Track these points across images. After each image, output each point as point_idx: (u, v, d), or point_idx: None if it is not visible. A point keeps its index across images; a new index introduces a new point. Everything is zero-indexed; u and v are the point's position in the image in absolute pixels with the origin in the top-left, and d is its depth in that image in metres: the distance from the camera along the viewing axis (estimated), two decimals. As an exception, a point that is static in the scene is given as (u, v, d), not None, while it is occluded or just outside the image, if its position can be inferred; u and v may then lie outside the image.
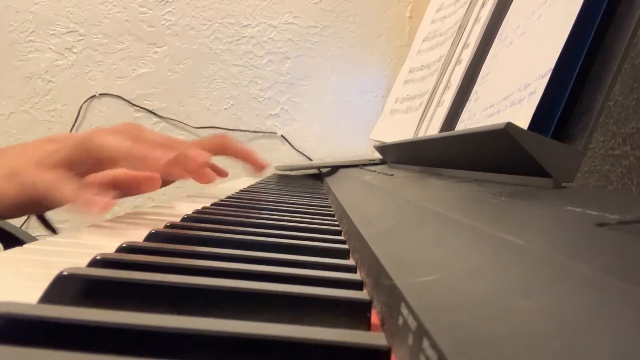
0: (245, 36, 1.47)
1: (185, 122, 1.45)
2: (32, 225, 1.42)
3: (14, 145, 0.45)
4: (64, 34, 1.43)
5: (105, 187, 0.42)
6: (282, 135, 1.48)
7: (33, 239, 0.87)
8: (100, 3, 1.43)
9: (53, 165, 0.38)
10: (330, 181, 0.81)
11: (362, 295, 0.20)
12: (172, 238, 0.32)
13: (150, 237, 0.31)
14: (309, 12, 1.48)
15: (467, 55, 0.58)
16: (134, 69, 1.44)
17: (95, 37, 1.43)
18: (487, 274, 0.15)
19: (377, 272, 0.20)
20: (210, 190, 0.71)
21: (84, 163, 0.39)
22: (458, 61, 0.62)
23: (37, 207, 0.41)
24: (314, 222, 0.43)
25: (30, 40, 1.42)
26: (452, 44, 0.67)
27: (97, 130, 0.41)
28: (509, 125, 0.27)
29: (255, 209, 0.49)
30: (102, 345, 0.16)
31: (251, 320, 0.17)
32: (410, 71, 0.85)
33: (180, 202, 0.58)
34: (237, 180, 0.92)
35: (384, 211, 0.34)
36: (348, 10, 1.49)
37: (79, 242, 0.33)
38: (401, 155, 0.70)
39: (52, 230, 0.52)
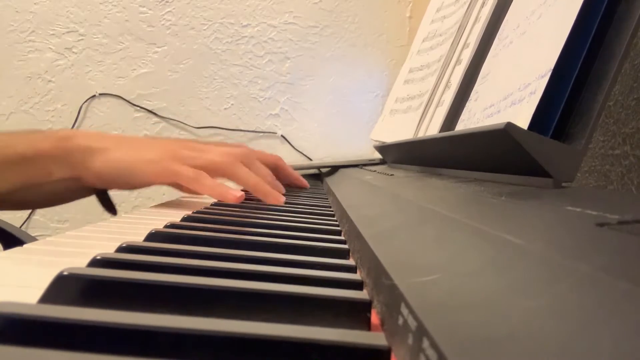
0: (245, 36, 1.47)
1: (185, 122, 1.45)
2: (32, 225, 1.42)
3: (139, 137, 0.58)
4: (64, 34, 1.43)
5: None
6: (282, 135, 1.48)
7: (33, 239, 0.87)
8: (100, 3, 1.43)
9: (190, 165, 0.51)
10: (330, 181, 0.81)
11: (362, 295, 0.20)
12: (172, 238, 0.32)
13: (150, 237, 0.31)
14: (309, 12, 1.48)
15: (467, 55, 0.58)
16: (134, 69, 1.44)
17: (95, 37, 1.43)
18: (487, 274, 0.15)
19: (377, 272, 0.20)
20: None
21: (214, 176, 0.53)
22: (458, 61, 0.62)
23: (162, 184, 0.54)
24: (314, 222, 0.43)
25: (30, 40, 1.42)
26: (452, 44, 0.67)
27: (234, 158, 0.55)
28: (509, 125, 0.27)
29: (255, 209, 0.49)
30: (102, 345, 0.16)
31: (251, 320, 0.17)
32: (410, 71, 0.85)
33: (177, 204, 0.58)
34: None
35: (384, 211, 0.34)
36: (348, 10, 1.49)
37: (79, 242, 0.33)
38: (401, 155, 0.70)
39: (114, 210, 0.61)
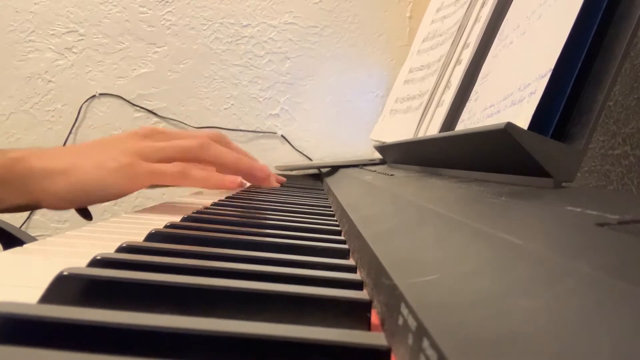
0: (245, 36, 1.47)
1: (185, 122, 1.45)
2: (32, 225, 1.42)
3: (93, 142, 0.50)
4: (64, 34, 1.43)
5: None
6: (282, 135, 1.48)
7: (33, 239, 0.87)
8: (100, 3, 1.43)
9: (161, 160, 0.45)
10: (330, 181, 0.81)
11: (362, 295, 0.20)
12: (171, 238, 0.32)
13: (150, 237, 0.31)
14: (309, 12, 1.48)
15: (467, 55, 0.58)
16: (134, 69, 1.44)
17: (95, 37, 1.43)
18: (487, 274, 0.15)
19: (377, 272, 0.20)
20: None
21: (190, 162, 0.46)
22: (458, 61, 0.62)
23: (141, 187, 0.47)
24: (314, 222, 0.43)
25: (30, 40, 1.42)
26: (452, 44, 0.67)
27: (203, 139, 0.48)
28: (509, 125, 0.27)
29: (255, 209, 0.49)
30: (102, 345, 0.16)
31: (251, 320, 0.17)
32: (410, 71, 0.85)
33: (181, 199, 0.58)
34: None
35: (384, 211, 0.34)
36: (348, 10, 1.49)
37: (79, 242, 0.33)
38: (401, 155, 0.70)
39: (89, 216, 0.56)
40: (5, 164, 0.44)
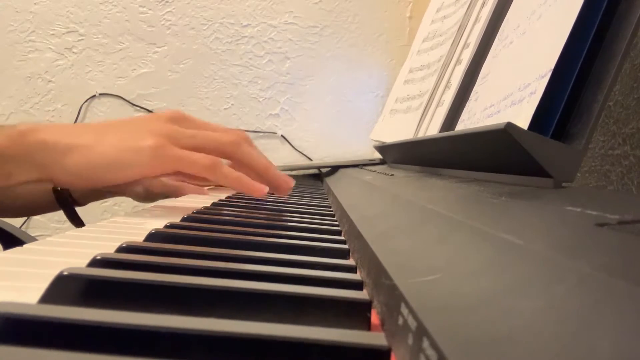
0: (245, 36, 1.47)
1: (185, 122, 1.45)
2: (32, 225, 1.42)
3: (120, 121, 0.46)
4: (64, 34, 1.43)
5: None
6: (282, 135, 1.48)
7: (33, 239, 0.87)
8: (100, 3, 1.43)
9: (191, 147, 0.43)
10: (330, 181, 0.81)
11: (362, 295, 0.20)
12: (172, 238, 0.32)
13: (150, 237, 0.31)
14: (309, 12, 1.48)
15: (467, 55, 0.58)
16: (134, 69, 1.44)
17: (95, 37, 1.43)
18: (487, 274, 0.15)
19: (377, 272, 0.20)
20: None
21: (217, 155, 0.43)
22: (458, 61, 0.62)
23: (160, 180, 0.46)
24: (314, 222, 0.43)
25: (30, 40, 1.42)
26: (452, 44, 0.67)
27: (236, 137, 0.46)
28: (509, 125, 0.27)
29: (255, 209, 0.49)
30: (102, 345, 0.16)
31: (251, 320, 0.17)
32: (410, 71, 0.85)
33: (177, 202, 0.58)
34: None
35: (384, 211, 0.34)
36: (348, 10, 1.49)
37: (79, 242, 0.33)
38: (401, 155, 0.70)
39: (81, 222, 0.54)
40: (12, 135, 0.41)
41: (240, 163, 0.47)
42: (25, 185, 0.43)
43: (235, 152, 0.45)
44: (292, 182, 0.49)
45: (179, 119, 0.46)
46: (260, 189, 0.44)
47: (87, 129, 0.45)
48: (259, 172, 0.47)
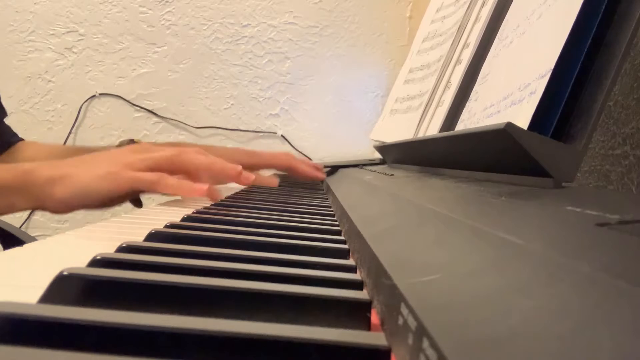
0: (245, 36, 1.47)
1: (185, 122, 1.45)
2: (32, 226, 1.42)
3: (93, 154, 0.58)
4: (64, 34, 1.43)
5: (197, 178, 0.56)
6: (282, 135, 1.48)
7: (33, 239, 0.87)
8: (100, 3, 1.43)
9: (144, 169, 0.52)
10: (330, 181, 0.81)
11: (362, 295, 0.20)
12: (172, 238, 0.32)
13: (150, 237, 0.31)
14: (309, 12, 1.48)
15: (467, 55, 0.58)
16: (134, 69, 1.44)
17: (95, 37, 1.43)
18: (487, 274, 0.15)
19: (377, 272, 0.20)
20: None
21: (170, 172, 0.53)
22: (458, 61, 0.62)
23: (127, 197, 0.55)
24: (314, 222, 0.43)
25: (30, 40, 1.42)
26: (452, 44, 0.67)
27: (181, 148, 0.56)
28: (509, 125, 0.27)
29: (255, 209, 0.49)
30: (102, 345, 0.16)
31: (251, 320, 0.17)
32: (410, 71, 0.85)
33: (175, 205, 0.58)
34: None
35: (384, 211, 0.34)
36: (348, 10, 1.49)
37: (79, 242, 0.33)
38: (401, 155, 0.70)
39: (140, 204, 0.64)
40: (19, 176, 0.51)
41: (186, 170, 0.55)
42: (22, 210, 0.53)
43: (177, 162, 0.54)
44: (239, 167, 0.56)
45: (143, 149, 0.56)
46: (199, 189, 0.52)
47: (71, 162, 0.55)
48: (205, 172, 0.55)
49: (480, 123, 0.43)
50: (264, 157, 0.83)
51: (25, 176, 0.51)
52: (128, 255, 0.25)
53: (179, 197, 0.64)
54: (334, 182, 0.78)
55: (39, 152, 0.86)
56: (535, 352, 0.10)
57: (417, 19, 1.33)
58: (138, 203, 0.61)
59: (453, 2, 0.75)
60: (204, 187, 0.52)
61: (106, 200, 0.52)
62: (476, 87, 0.50)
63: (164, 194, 0.52)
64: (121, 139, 0.89)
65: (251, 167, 0.69)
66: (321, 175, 0.83)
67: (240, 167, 0.56)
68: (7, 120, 0.87)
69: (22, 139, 0.91)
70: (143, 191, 0.54)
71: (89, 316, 0.16)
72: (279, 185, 0.79)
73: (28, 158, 0.82)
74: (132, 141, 0.86)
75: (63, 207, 0.52)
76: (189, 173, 0.55)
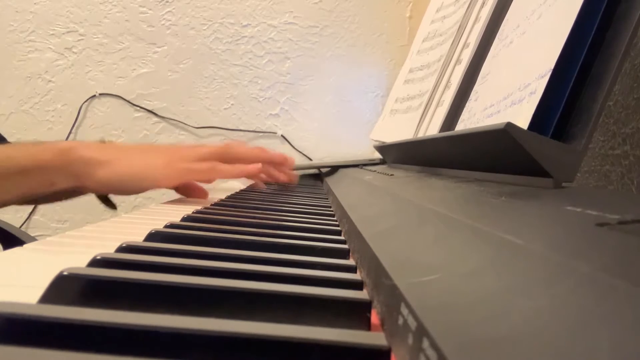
0: (245, 36, 1.47)
1: (185, 122, 1.45)
2: (32, 225, 1.42)
3: (140, 145, 0.64)
4: (64, 34, 1.43)
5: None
6: (282, 135, 1.48)
7: (33, 239, 0.87)
8: (100, 3, 1.43)
9: (197, 160, 0.56)
10: (330, 181, 0.81)
11: (362, 295, 0.20)
12: (172, 238, 0.32)
13: (150, 237, 0.31)
14: (309, 12, 1.48)
15: (467, 55, 0.58)
16: (134, 69, 1.44)
17: (95, 37, 1.43)
18: (487, 274, 0.15)
19: (377, 272, 0.20)
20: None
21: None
22: (458, 61, 0.62)
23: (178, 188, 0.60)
24: (314, 222, 0.43)
25: (30, 40, 1.42)
26: (452, 44, 0.67)
27: (228, 143, 0.61)
28: (509, 125, 0.27)
29: (255, 209, 0.49)
30: (102, 345, 0.16)
31: (251, 320, 0.17)
32: (410, 71, 0.85)
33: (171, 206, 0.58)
34: (237, 181, 0.92)
35: (384, 211, 0.34)
36: (348, 10, 1.49)
37: (79, 242, 0.33)
38: (401, 155, 0.70)
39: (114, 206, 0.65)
40: (57, 153, 0.52)
41: (235, 160, 0.60)
42: (62, 190, 0.54)
43: (228, 154, 0.58)
44: (284, 154, 0.63)
45: (186, 146, 0.59)
46: (254, 166, 0.57)
47: (115, 148, 0.58)
48: (253, 160, 0.61)
49: (480, 123, 0.43)
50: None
51: (63, 155, 0.52)
52: (128, 255, 0.25)
53: (178, 196, 0.64)
54: (334, 182, 0.78)
55: None
56: (535, 352, 0.10)
57: (417, 19, 1.33)
58: (110, 204, 0.62)
59: (453, 2, 0.75)
60: (257, 165, 0.57)
61: (152, 188, 0.55)
62: (476, 87, 0.50)
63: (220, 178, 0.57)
64: (95, 138, 0.88)
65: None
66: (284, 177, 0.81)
67: (285, 155, 0.62)
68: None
69: (9, 142, 0.90)
70: (195, 181, 0.57)
71: (89, 316, 0.16)
72: (279, 185, 0.79)
73: None
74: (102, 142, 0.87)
75: (106, 189, 0.55)
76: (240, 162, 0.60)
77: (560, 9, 0.35)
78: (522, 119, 0.32)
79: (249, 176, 0.58)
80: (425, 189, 0.39)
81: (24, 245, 0.30)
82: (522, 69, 0.37)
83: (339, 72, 1.49)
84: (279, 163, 0.64)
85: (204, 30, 1.46)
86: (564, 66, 0.31)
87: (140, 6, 1.44)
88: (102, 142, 0.84)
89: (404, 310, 0.15)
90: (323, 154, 1.48)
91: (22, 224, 1.39)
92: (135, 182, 0.53)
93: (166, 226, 0.35)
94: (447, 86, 0.62)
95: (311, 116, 1.49)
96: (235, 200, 0.57)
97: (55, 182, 0.52)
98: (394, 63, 1.47)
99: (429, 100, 0.66)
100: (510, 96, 0.37)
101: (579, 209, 0.18)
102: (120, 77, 1.44)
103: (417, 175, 0.53)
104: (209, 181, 0.58)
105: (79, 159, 0.52)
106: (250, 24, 1.47)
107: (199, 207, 0.49)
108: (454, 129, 0.54)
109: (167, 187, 0.56)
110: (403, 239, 0.24)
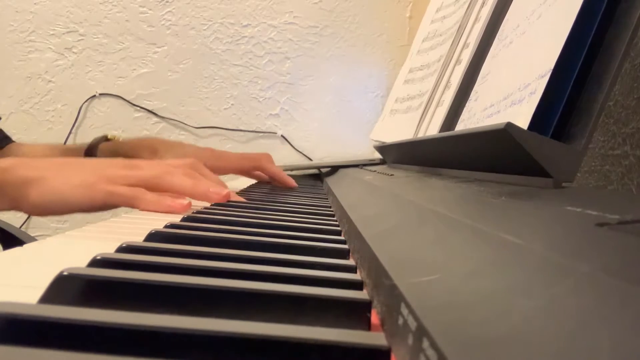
0: (245, 36, 1.47)
1: (185, 122, 1.45)
2: (32, 226, 1.42)
3: (75, 160, 0.58)
4: (64, 34, 1.43)
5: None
6: (282, 135, 1.48)
7: (33, 239, 0.87)
8: (100, 3, 1.43)
9: (124, 185, 0.50)
10: (330, 181, 0.81)
11: (362, 295, 0.20)
12: (171, 238, 0.32)
13: (150, 237, 0.31)
14: (309, 12, 1.48)
15: (467, 55, 0.58)
16: (134, 69, 1.44)
17: (95, 37, 1.43)
18: (487, 274, 0.15)
19: (377, 272, 0.20)
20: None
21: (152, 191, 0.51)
22: (458, 61, 0.62)
23: (104, 209, 0.52)
24: (314, 222, 0.43)
25: (30, 40, 1.42)
26: (452, 44, 0.67)
27: (166, 168, 0.54)
28: (509, 125, 0.27)
29: (255, 209, 0.49)
30: (102, 345, 0.16)
31: (251, 320, 0.17)
32: (410, 71, 0.85)
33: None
34: (237, 181, 0.92)
35: (384, 211, 0.34)
36: (348, 10, 1.49)
37: (79, 242, 0.33)
38: (401, 155, 0.70)
39: None
40: None
41: (169, 190, 0.53)
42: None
43: (160, 184, 0.52)
44: (223, 192, 0.54)
45: (130, 166, 0.54)
46: (180, 204, 0.49)
47: (50, 164, 0.53)
48: (187, 195, 0.53)
49: (480, 123, 0.43)
50: (231, 161, 0.81)
51: (2, 175, 0.49)
52: (128, 255, 0.25)
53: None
54: (334, 182, 0.78)
55: (29, 154, 0.84)
56: (535, 352, 0.10)
57: (417, 19, 1.33)
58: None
59: (453, 2, 0.75)
60: (184, 202, 0.49)
61: (79, 211, 0.50)
62: (476, 87, 0.50)
63: (142, 210, 0.50)
64: (95, 136, 0.86)
65: (218, 170, 0.68)
66: (292, 183, 0.80)
67: (225, 192, 0.54)
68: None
69: (13, 141, 0.89)
70: (119, 206, 0.51)
71: (89, 316, 0.16)
72: (278, 185, 0.79)
73: None
74: (105, 138, 0.84)
75: (36, 211, 0.51)
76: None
77: (560, 9, 0.35)
78: (522, 119, 0.32)
79: (172, 212, 0.49)
80: (425, 189, 0.39)
81: (24, 245, 0.30)
82: (522, 69, 0.37)
83: (339, 72, 1.49)
84: (214, 200, 0.55)
85: (204, 30, 1.46)
86: (564, 66, 0.31)
87: (140, 6, 1.44)
88: (105, 137, 0.84)
89: (404, 310, 0.15)
90: (323, 154, 1.48)
91: (22, 224, 1.39)
92: (61, 202, 0.49)
93: (166, 226, 0.35)
94: (447, 86, 0.62)
95: (311, 116, 1.49)
96: (235, 200, 0.57)
97: None
98: (394, 63, 1.47)
99: (429, 100, 0.66)
100: (510, 96, 0.37)
101: (579, 209, 0.18)
102: (120, 77, 1.44)
103: (417, 175, 0.53)
104: (133, 208, 0.53)
105: (14, 179, 0.49)
106: (250, 24, 1.47)
107: (199, 208, 0.49)
108: (454, 129, 0.54)
109: (89, 211, 0.51)
110: (403, 239, 0.24)
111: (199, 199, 0.53)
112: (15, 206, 0.50)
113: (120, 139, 0.87)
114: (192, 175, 0.55)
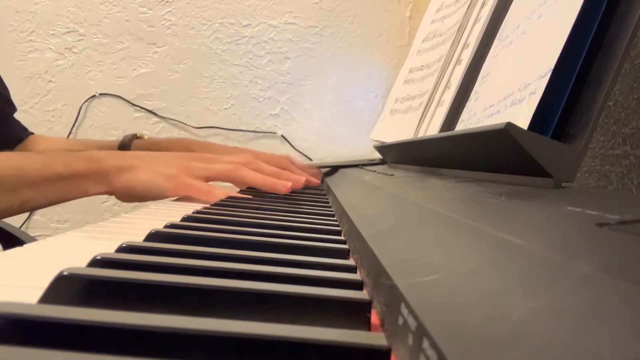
0: (245, 36, 1.47)
1: (185, 122, 1.45)
2: (32, 225, 1.42)
3: (158, 153, 0.66)
4: (64, 34, 1.43)
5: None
6: (282, 135, 1.48)
7: (33, 239, 0.87)
8: (100, 3, 1.43)
9: (202, 178, 0.61)
10: (330, 181, 0.81)
11: (362, 295, 0.20)
12: (172, 238, 0.32)
13: (150, 237, 0.31)
14: (309, 12, 1.48)
15: (467, 55, 0.58)
16: (134, 69, 1.44)
17: (95, 37, 1.43)
18: (487, 274, 0.15)
19: (377, 272, 0.20)
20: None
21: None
22: (458, 61, 0.62)
23: (179, 198, 0.62)
24: (314, 222, 0.43)
25: (30, 40, 1.42)
26: (452, 44, 0.67)
27: (237, 164, 0.64)
28: (509, 125, 0.27)
29: (255, 209, 0.49)
30: (102, 345, 0.16)
31: (251, 320, 0.17)
32: (410, 71, 0.85)
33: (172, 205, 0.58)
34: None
35: (384, 211, 0.34)
36: (348, 10, 1.49)
37: (79, 242, 0.33)
38: (401, 155, 0.70)
39: None
40: (91, 164, 0.57)
41: (243, 185, 0.65)
42: (93, 195, 0.59)
43: (235, 178, 0.64)
44: (288, 184, 0.63)
45: (202, 158, 0.64)
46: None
47: (138, 155, 0.62)
48: (259, 188, 0.64)
49: (480, 123, 0.43)
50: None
51: (96, 164, 0.57)
52: (128, 255, 0.25)
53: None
54: (334, 182, 0.78)
55: (50, 146, 0.92)
56: (535, 352, 0.10)
57: (417, 19, 1.33)
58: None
59: (453, 2, 0.75)
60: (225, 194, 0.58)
61: (162, 198, 0.59)
62: (476, 87, 0.50)
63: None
64: (125, 134, 0.90)
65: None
66: (316, 181, 0.79)
67: (289, 184, 0.63)
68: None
69: (32, 133, 0.95)
70: (194, 197, 0.60)
71: (89, 316, 0.16)
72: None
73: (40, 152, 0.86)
74: (135, 136, 0.90)
75: (127, 196, 0.59)
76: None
77: (560, 9, 0.35)
78: (522, 119, 0.32)
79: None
80: (425, 189, 0.39)
81: (24, 245, 0.30)
82: (522, 69, 0.37)
83: (339, 72, 1.49)
84: (282, 192, 0.65)
85: (204, 30, 1.46)
86: (564, 66, 0.31)
87: (140, 6, 1.44)
88: (135, 135, 0.90)
89: (404, 310, 0.15)
90: (323, 154, 1.48)
91: (22, 224, 1.39)
92: (149, 190, 0.58)
93: (166, 226, 0.35)
94: (447, 86, 0.62)
95: (311, 116, 1.49)
96: (235, 200, 0.57)
97: (88, 189, 0.57)
98: (394, 63, 1.47)
99: (429, 100, 0.66)
100: (510, 96, 0.37)
101: (579, 209, 0.18)
102: (120, 77, 1.44)
103: (417, 175, 0.53)
104: (205, 200, 0.61)
105: (109, 167, 0.57)
106: (250, 24, 1.47)
107: (199, 207, 0.49)
108: (454, 129, 0.54)
109: (169, 196, 0.60)
110: (403, 239, 0.24)
111: (266, 190, 0.63)
112: (108, 190, 0.58)
113: (148, 138, 0.95)
114: (260, 169, 0.65)
